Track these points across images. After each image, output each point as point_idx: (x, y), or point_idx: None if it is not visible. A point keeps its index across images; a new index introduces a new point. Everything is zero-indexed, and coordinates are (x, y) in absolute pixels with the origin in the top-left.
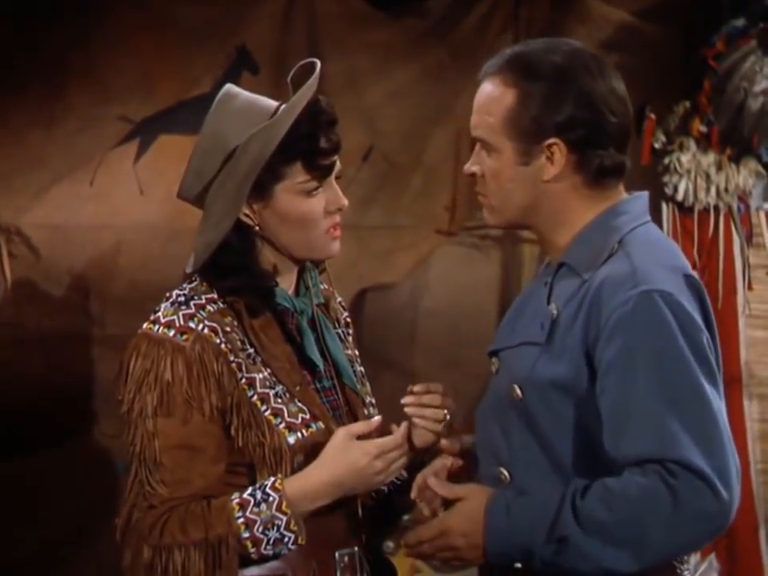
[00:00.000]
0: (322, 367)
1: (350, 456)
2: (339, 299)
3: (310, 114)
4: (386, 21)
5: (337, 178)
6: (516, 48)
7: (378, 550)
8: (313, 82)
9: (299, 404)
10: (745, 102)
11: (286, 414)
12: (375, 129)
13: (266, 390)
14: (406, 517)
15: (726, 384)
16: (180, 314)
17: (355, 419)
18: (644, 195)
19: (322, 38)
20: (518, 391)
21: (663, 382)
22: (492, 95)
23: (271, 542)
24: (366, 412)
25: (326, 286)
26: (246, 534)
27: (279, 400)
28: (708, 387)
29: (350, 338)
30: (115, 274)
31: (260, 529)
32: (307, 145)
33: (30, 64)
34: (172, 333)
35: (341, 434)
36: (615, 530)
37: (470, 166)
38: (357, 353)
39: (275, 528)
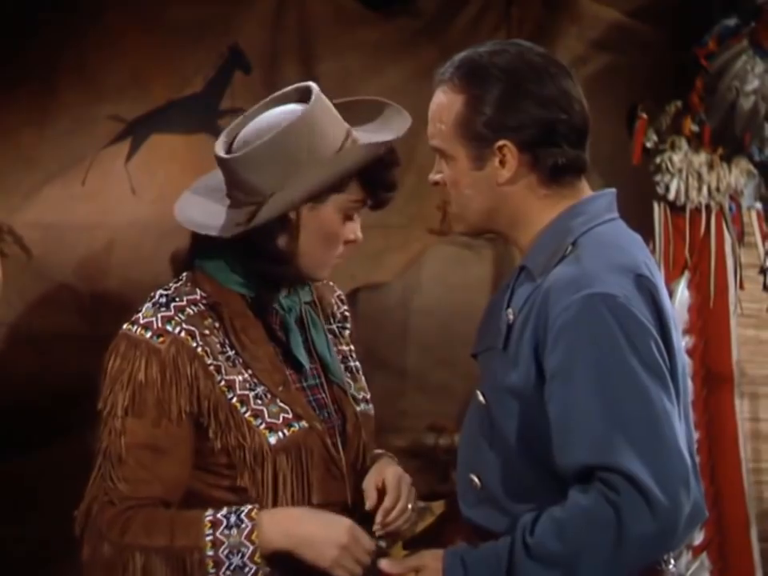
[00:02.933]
0: (307, 366)
1: (337, 532)
2: (338, 293)
3: (390, 148)
4: (378, 20)
5: None
6: (464, 53)
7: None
8: (405, 117)
9: (281, 404)
10: (736, 101)
11: (266, 415)
12: None
13: (246, 392)
14: None
15: (717, 383)
16: (159, 315)
17: (343, 416)
18: (608, 193)
19: (313, 38)
20: (481, 398)
21: (603, 388)
22: (442, 103)
23: (232, 568)
24: (358, 408)
25: (325, 281)
26: (211, 553)
27: (260, 401)
28: (654, 390)
29: (347, 333)
30: (107, 274)
31: (225, 552)
32: (383, 173)
33: (22, 63)
34: (149, 335)
35: (347, 525)
36: (569, 558)
37: (433, 176)
38: (352, 347)
39: (240, 555)
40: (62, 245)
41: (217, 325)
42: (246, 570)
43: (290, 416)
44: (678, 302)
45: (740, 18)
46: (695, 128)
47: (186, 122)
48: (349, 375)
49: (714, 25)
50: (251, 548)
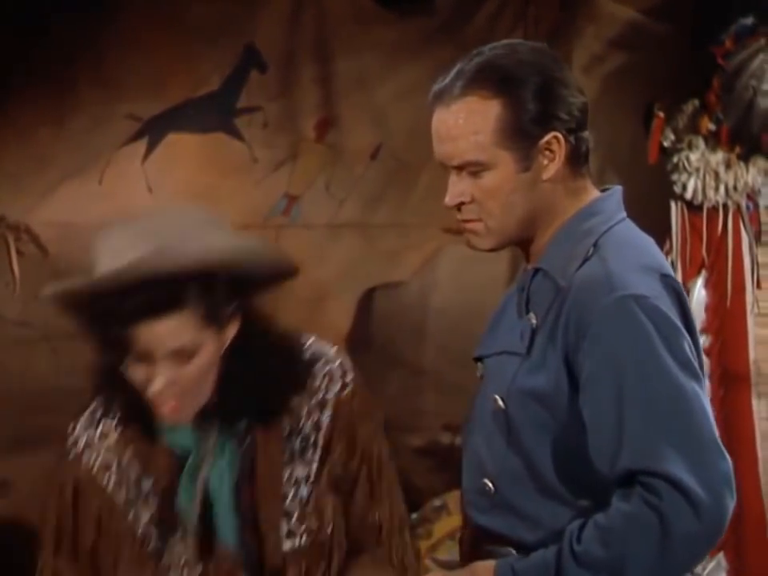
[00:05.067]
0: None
1: None
2: (321, 397)
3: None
4: (395, 19)
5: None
6: (471, 63)
7: None
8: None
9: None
10: (754, 100)
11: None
12: (384, 127)
13: (151, 528)
14: (413, 515)
15: (733, 383)
16: (85, 435)
17: None
18: (617, 191)
19: (330, 37)
20: (500, 402)
21: (643, 391)
22: (472, 114)
23: None
24: (288, 547)
25: (315, 361)
26: None
27: (160, 542)
28: (692, 390)
29: (310, 449)
30: None
31: None
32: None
33: (40, 63)
34: (71, 457)
35: None
36: (615, 563)
37: (454, 197)
38: (314, 468)
39: None
40: (78, 243)
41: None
42: None
43: None
44: (695, 301)
45: (757, 16)
46: (712, 127)
47: (202, 120)
48: (291, 504)
49: (731, 24)
50: None
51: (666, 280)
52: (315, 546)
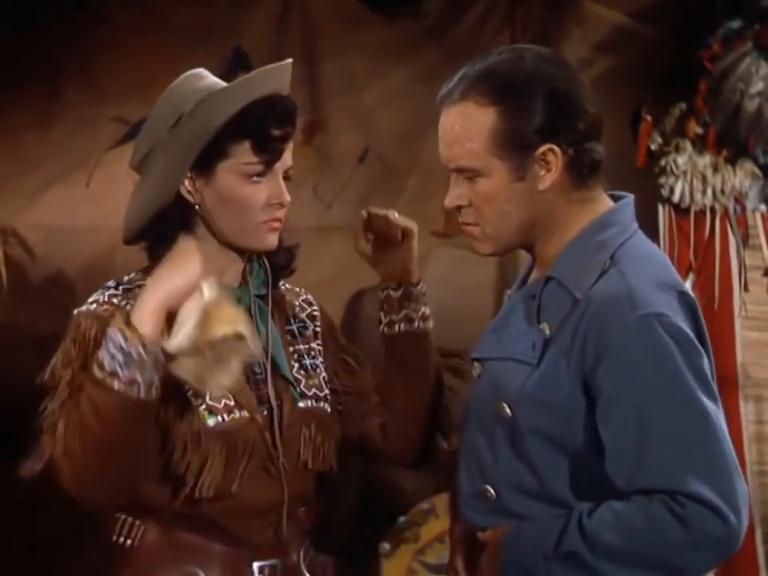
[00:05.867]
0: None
1: None
2: (305, 297)
3: (268, 99)
4: (382, 22)
5: (285, 178)
6: (475, 67)
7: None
8: (277, 67)
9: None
10: (741, 103)
11: (207, 397)
12: (371, 130)
13: None
14: (401, 519)
15: (721, 386)
16: (106, 294)
17: (281, 413)
18: (630, 201)
19: (317, 40)
20: (507, 410)
21: (666, 411)
22: (468, 120)
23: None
24: (300, 404)
25: (287, 286)
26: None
27: None
28: (712, 411)
29: (309, 332)
30: (111, 276)
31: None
32: (259, 127)
33: (27, 65)
34: (93, 307)
35: None
36: (620, 553)
37: (453, 201)
38: (313, 346)
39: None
40: (65, 247)
41: None
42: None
43: (233, 403)
44: None
45: (744, 20)
46: (700, 130)
47: None
48: (303, 373)
49: (719, 27)
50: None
51: (683, 297)
52: (319, 411)
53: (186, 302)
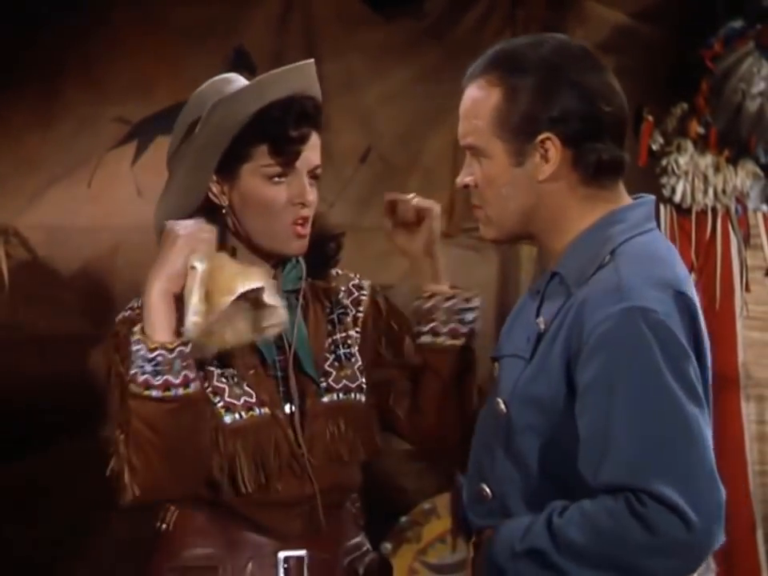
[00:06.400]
0: (269, 359)
1: None
2: (355, 281)
3: (286, 101)
4: (383, 22)
5: (314, 177)
6: (499, 46)
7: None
8: (295, 67)
9: (246, 388)
10: (742, 103)
11: (226, 394)
12: (372, 130)
13: (212, 369)
14: (403, 518)
15: (722, 386)
16: (139, 300)
17: (301, 413)
18: (649, 201)
19: (318, 39)
20: (502, 406)
21: (638, 407)
22: (477, 97)
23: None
24: (324, 399)
25: (339, 272)
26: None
27: (224, 380)
28: (691, 413)
29: (349, 318)
30: (113, 276)
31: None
32: (275, 128)
33: (28, 65)
34: (128, 313)
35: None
36: (584, 553)
37: (463, 178)
38: (351, 334)
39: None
40: (67, 247)
41: None
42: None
43: (253, 400)
44: None
45: (746, 20)
46: (701, 130)
47: None
48: (336, 364)
49: (720, 27)
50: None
51: (681, 298)
52: (352, 403)
53: (186, 283)
